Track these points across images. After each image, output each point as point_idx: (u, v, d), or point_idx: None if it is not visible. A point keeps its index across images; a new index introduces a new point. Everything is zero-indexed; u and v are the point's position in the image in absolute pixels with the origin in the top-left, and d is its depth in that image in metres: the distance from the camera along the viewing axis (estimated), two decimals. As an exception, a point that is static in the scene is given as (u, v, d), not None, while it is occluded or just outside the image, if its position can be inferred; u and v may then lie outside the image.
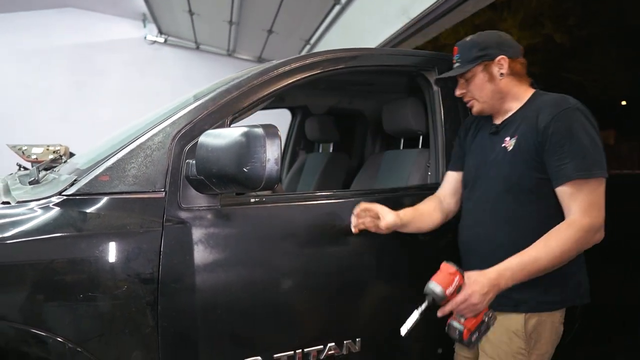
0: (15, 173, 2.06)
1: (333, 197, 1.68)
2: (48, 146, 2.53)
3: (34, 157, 2.50)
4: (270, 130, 1.16)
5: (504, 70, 1.49)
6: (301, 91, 2.77)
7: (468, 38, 1.55)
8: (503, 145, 1.48)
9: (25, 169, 2.46)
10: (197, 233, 1.34)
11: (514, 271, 1.28)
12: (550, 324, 1.43)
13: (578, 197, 1.31)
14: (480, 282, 1.24)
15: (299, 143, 3.46)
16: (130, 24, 8.37)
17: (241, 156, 1.16)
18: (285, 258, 1.49)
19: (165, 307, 1.28)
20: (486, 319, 1.26)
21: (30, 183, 1.47)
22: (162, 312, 1.27)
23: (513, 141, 1.45)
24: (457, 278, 1.23)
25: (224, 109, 1.47)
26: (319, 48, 5.86)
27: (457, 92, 1.59)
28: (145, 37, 8.31)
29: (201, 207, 1.36)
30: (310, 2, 4.82)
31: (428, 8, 3.41)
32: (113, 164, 1.35)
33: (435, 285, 1.22)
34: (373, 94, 2.89)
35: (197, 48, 8.11)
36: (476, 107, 1.56)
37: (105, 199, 1.30)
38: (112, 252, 1.23)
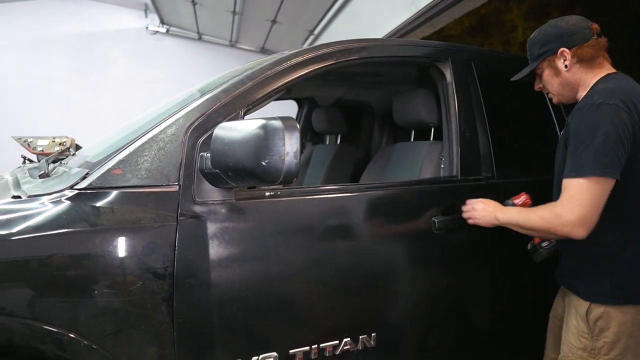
0: (24, 166, 2.03)
1: (349, 190, 1.65)
2: (54, 138, 2.50)
3: (39, 149, 2.47)
4: (289, 122, 1.14)
5: (567, 62, 1.50)
6: (309, 82, 2.73)
7: (533, 34, 1.59)
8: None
9: (31, 161, 2.44)
10: (211, 227, 1.32)
11: (509, 216, 1.55)
12: (619, 319, 1.41)
13: (566, 190, 1.38)
14: (491, 203, 1.63)
15: (305, 135, 3.43)
16: (131, 13, 8.30)
17: (259, 149, 1.13)
18: (300, 252, 1.47)
19: (180, 302, 1.26)
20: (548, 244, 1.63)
21: (41, 177, 1.45)
22: (177, 308, 1.25)
23: (563, 131, 1.54)
24: (523, 197, 1.68)
25: (237, 100, 1.44)
26: (324, 39, 5.81)
27: (536, 87, 1.66)
28: (147, 27, 8.24)
29: (216, 201, 1.34)
30: (314, -8, 4.76)
31: (437, -2, 3.37)
32: (125, 157, 1.32)
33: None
34: (381, 86, 2.85)
35: (200, 38, 8.04)
36: (554, 99, 1.63)
37: (118, 193, 1.27)
38: (126, 247, 1.21)
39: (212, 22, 6.86)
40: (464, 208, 1.68)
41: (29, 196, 1.28)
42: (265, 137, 1.13)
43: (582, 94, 1.52)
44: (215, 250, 1.31)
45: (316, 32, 5.93)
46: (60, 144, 2.42)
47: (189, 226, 1.29)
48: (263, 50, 7.67)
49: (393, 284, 1.65)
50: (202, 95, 1.48)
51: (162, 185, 1.30)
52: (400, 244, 1.65)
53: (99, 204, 1.25)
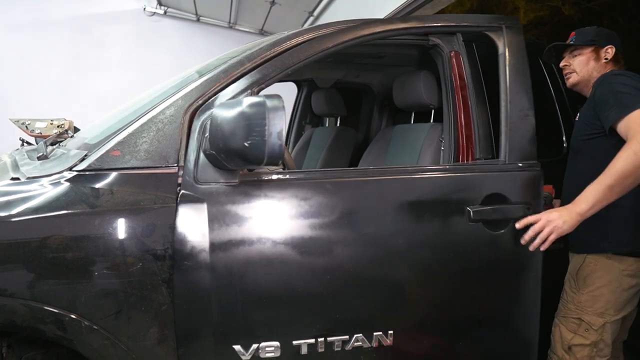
0: (22, 148, 2.02)
1: (356, 174, 1.52)
2: (52, 120, 2.49)
3: (37, 131, 2.46)
4: (273, 101, 1.11)
5: (609, 56, 1.79)
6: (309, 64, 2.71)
7: (586, 28, 1.85)
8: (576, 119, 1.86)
9: (29, 143, 2.42)
10: (212, 209, 1.30)
11: (591, 198, 1.50)
12: (603, 267, 1.65)
13: (627, 131, 1.51)
14: (556, 207, 1.61)
15: (305, 117, 3.41)
16: (128, -6, 8.19)
17: (243, 130, 1.11)
18: (304, 238, 1.38)
19: (180, 284, 1.26)
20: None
21: (39, 158, 1.44)
22: (177, 290, 1.26)
23: (579, 112, 1.83)
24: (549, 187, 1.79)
25: (237, 81, 1.43)
26: (323, 20, 5.74)
27: (562, 63, 1.89)
28: (144, 9, 8.13)
29: (219, 182, 1.31)
30: (314, -28, 4.68)
31: (439, -22, 3.31)
32: (124, 138, 1.31)
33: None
34: (382, 67, 2.83)
35: (198, 20, 7.95)
36: (573, 79, 1.85)
37: (117, 175, 1.27)
38: (126, 228, 1.21)
39: (211, 4, 6.77)
40: (536, 227, 1.53)
41: (28, 178, 1.27)
42: (249, 117, 1.11)
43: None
44: (215, 232, 1.29)
45: (315, 13, 5.86)
46: (58, 126, 2.41)
47: (189, 208, 1.28)
48: (262, 32, 7.58)
49: (417, 278, 1.52)
50: (201, 76, 1.46)
51: (161, 167, 1.30)
52: (425, 234, 1.50)
53: (98, 185, 1.24)
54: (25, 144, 2.42)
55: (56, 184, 1.23)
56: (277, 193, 1.37)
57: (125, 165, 1.27)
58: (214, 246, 1.29)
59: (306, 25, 6.33)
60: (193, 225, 1.28)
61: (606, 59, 1.80)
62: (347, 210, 1.43)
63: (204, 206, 1.29)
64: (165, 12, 8.04)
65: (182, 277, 1.26)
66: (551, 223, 1.50)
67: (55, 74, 8.16)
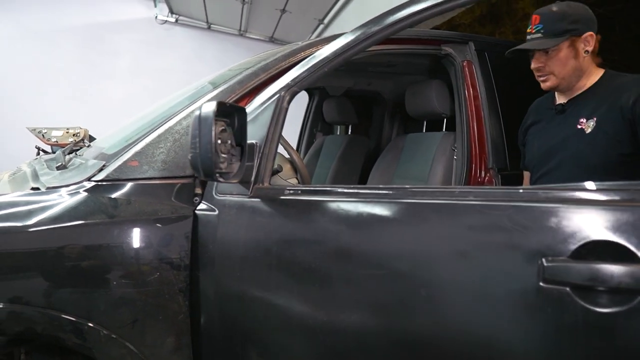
0: (41, 157, 2.05)
1: (377, 194, 1.08)
2: (67, 129, 2.52)
3: (54, 140, 2.50)
4: (204, 108, 1.03)
5: (589, 48, 1.44)
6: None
7: (555, 8, 1.44)
8: (579, 126, 1.43)
9: (45, 152, 2.46)
10: (225, 221, 1.27)
11: None
12: None
13: None
14: None
15: (316, 125, 3.42)
16: (141, 3, 8.30)
17: (190, 141, 1.06)
18: (313, 260, 1.11)
19: (196, 294, 1.27)
20: None
21: (58, 168, 1.46)
22: (193, 299, 1.27)
23: (592, 123, 1.40)
24: None
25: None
26: (334, 28, 5.77)
27: (533, 65, 1.51)
28: (156, 17, 8.23)
29: (232, 194, 1.29)
30: (325, -19, 4.72)
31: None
32: (141, 149, 1.33)
33: None
34: (393, 75, 2.84)
35: (209, 28, 8.03)
36: (551, 82, 1.49)
37: (134, 185, 1.28)
38: (144, 238, 1.22)
39: (222, 12, 6.84)
40: None
41: (48, 188, 1.29)
42: (192, 127, 1.05)
43: (584, 82, 1.48)
44: (228, 244, 1.26)
45: (326, 21, 5.88)
46: (74, 134, 2.45)
47: (205, 218, 1.29)
48: (272, 40, 7.64)
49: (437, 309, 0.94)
50: (217, 87, 1.48)
51: (179, 177, 1.31)
52: (471, 297, 0.90)
53: (116, 195, 1.26)
54: (41, 152, 2.46)
55: (75, 194, 1.25)
56: (285, 210, 1.19)
57: (143, 176, 1.29)
58: (223, 258, 1.25)
59: (316, 33, 6.36)
60: (207, 236, 1.28)
61: (586, 51, 1.44)
62: (365, 241, 1.05)
63: (217, 218, 1.27)
64: (176, 20, 8.13)
65: (197, 287, 1.27)
66: None
67: (69, 81, 8.28)
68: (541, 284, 0.81)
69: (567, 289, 0.79)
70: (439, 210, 0.96)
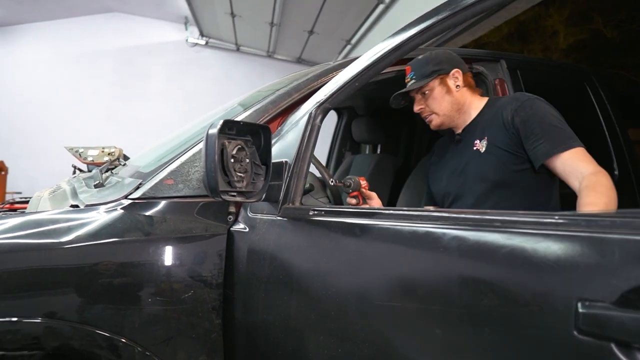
0: (79, 175, 2.11)
1: (411, 217, 0.89)
2: (103, 148, 2.59)
3: (90, 159, 2.57)
4: (209, 129, 1.05)
5: (459, 83, 1.57)
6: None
7: (420, 56, 1.60)
8: (475, 148, 1.52)
9: (81, 170, 2.53)
10: (254, 240, 1.25)
11: None
12: None
13: (572, 161, 1.34)
14: None
15: (345, 144, 3.42)
16: (172, 27, 8.57)
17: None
18: (339, 282, 1.01)
19: (229, 312, 1.27)
20: None
21: (96, 186, 1.50)
22: (226, 318, 1.27)
23: (484, 142, 1.50)
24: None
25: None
26: (361, 48, 5.82)
27: (416, 108, 1.62)
28: (186, 40, 8.47)
29: (263, 213, 1.29)
30: (352, 2, 4.78)
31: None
32: (177, 167, 1.35)
33: None
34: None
35: (238, 50, 8.21)
36: (435, 121, 1.60)
37: (170, 203, 1.30)
38: (179, 255, 1.24)
39: (250, 34, 6.98)
40: None
41: (86, 205, 1.33)
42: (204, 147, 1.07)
43: (471, 113, 1.59)
44: (255, 263, 1.24)
45: (353, 41, 5.95)
46: (109, 154, 2.51)
47: (238, 237, 1.30)
48: (300, 61, 7.75)
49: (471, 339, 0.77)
50: (248, 108, 1.50)
51: (213, 196, 1.32)
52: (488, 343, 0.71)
53: (152, 213, 1.28)
54: (77, 171, 2.53)
55: (112, 211, 1.28)
56: (308, 231, 1.13)
57: (178, 194, 1.31)
58: (251, 278, 1.23)
59: (343, 54, 6.42)
60: (239, 254, 1.29)
61: (457, 86, 1.57)
62: (392, 266, 0.91)
63: (248, 236, 1.27)
64: (206, 43, 8.34)
65: (230, 306, 1.27)
66: None
67: (103, 103, 8.57)
68: (575, 333, 0.61)
69: (611, 344, 0.58)
70: (453, 238, 0.78)
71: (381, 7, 4.65)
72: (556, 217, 0.67)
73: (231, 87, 7.85)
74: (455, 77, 1.57)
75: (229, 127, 1.10)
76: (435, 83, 1.56)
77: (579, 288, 0.62)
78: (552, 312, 0.64)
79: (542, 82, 2.03)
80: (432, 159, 1.80)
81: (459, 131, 1.62)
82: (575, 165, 1.33)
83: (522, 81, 1.94)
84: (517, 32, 8.34)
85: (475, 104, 1.61)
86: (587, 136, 2.10)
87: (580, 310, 0.61)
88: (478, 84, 1.95)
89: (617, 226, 0.60)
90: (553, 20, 8.58)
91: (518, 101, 1.46)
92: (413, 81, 1.57)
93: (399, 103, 1.67)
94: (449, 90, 1.57)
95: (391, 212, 0.95)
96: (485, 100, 1.62)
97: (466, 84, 1.60)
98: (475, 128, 1.57)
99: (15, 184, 7.61)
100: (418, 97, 1.61)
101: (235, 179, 1.09)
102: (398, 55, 1.21)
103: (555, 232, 0.66)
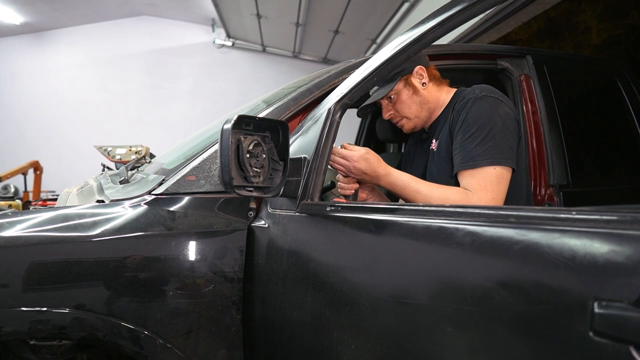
0: (106, 172, 2.17)
1: (428, 213, 0.85)
2: (130, 147, 2.66)
3: (118, 157, 2.64)
4: (226, 123, 1.05)
5: (425, 80, 1.50)
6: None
7: None
8: (432, 147, 1.49)
9: (109, 168, 2.60)
10: (273, 236, 1.26)
11: (396, 182, 1.36)
12: None
13: (470, 182, 1.30)
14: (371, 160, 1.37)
15: (369, 144, 3.41)
16: (199, 29, 8.71)
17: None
18: (356, 276, 0.99)
19: (249, 307, 1.28)
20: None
21: (121, 182, 1.54)
22: (246, 312, 1.28)
23: (436, 142, 1.47)
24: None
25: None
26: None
27: (385, 116, 1.55)
28: (214, 41, 8.59)
29: (282, 209, 1.29)
30: (378, 0, 4.76)
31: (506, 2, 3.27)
32: (199, 164, 1.37)
33: None
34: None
35: (264, 50, 8.28)
36: (407, 125, 1.55)
37: (192, 198, 1.33)
38: (200, 250, 1.26)
39: (276, 34, 7.03)
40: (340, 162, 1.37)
41: (112, 200, 1.36)
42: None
43: (438, 110, 1.53)
44: (272, 258, 1.24)
45: (378, 40, 5.93)
46: (136, 152, 2.57)
47: (258, 232, 1.31)
48: (325, 61, 7.77)
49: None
50: (270, 104, 1.51)
51: (233, 191, 1.34)
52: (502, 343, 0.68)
53: (174, 208, 1.31)
54: (106, 169, 2.60)
55: (136, 206, 1.31)
56: (325, 226, 1.11)
57: (200, 190, 1.33)
58: (269, 273, 1.24)
59: (369, 53, 6.41)
60: (258, 250, 1.30)
61: (424, 83, 1.49)
62: (411, 262, 0.87)
63: (268, 232, 1.27)
64: (233, 44, 8.44)
65: (250, 301, 1.29)
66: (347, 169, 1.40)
67: (133, 103, 8.77)
68: (590, 335, 0.57)
69: (629, 347, 0.53)
70: (467, 234, 0.74)
71: (406, 5, 4.62)
72: (573, 213, 0.64)
73: (258, 87, 7.93)
74: (420, 75, 1.50)
75: (246, 123, 1.10)
76: (400, 86, 1.48)
77: (595, 287, 0.58)
78: (566, 311, 0.60)
79: (571, 78, 1.98)
80: (404, 156, 1.76)
81: (427, 128, 1.57)
82: (469, 184, 1.29)
83: (549, 77, 1.90)
84: (547, 28, 8.14)
85: (442, 98, 1.53)
86: (618, 130, 2.05)
87: (596, 310, 0.57)
88: (503, 79, 1.92)
89: (637, 222, 0.57)
90: (585, 15, 8.35)
91: (463, 100, 1.39)
92: (376, 88, 1.50)
93: (366, 112, 1.61)
94: (415, 91, 1.49)
95: (409, 207, 0.92)
96: (452, 92, 1.53)
97: (432, 78, 1.52)
98: (437, 124, 1.51)
99: (49, 184, 7.87)
100: (385, 103, 1.54)
101: (252, 174, 1.10)
102: (417, 49, 1.20)
103: (572, 229, 0.62)
